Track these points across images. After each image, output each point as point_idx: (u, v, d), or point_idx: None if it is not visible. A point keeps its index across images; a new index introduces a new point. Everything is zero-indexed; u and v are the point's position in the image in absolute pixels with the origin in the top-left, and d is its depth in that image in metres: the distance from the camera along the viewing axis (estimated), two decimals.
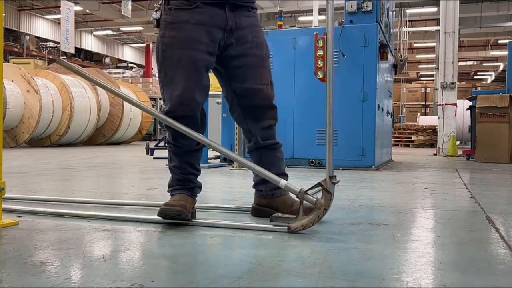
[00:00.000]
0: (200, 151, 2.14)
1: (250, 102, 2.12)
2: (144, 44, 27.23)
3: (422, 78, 30.83)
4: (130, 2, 17.51)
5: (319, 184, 1.85)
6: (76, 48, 20.75)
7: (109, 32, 25.59)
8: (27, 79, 9.28)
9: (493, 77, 32.11)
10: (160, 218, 1.95)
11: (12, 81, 9.20)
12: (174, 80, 2.00)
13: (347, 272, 1.33)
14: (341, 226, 1.99)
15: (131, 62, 28.38)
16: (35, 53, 21.92)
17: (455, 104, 8.83)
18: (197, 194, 2.16)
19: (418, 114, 17.66)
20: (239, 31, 2.07)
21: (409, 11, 17.24)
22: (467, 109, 8.28)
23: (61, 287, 1.18)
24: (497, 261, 1.47)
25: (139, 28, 23.82)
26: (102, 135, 11.61)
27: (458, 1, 8.79)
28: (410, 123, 14.85)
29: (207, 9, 2.01)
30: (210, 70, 2.12)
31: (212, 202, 2.63)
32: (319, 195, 1.85)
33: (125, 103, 11.52)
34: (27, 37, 21.83)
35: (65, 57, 21.46)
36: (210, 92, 2.15)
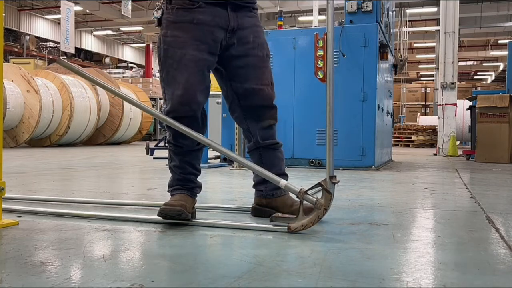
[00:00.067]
0: (200, 151, 2.14)
1: (250, 102, 2.12)
2: (144, 44, 27.23)
3: (422, 78, 30.84)
4: (130, 2, 17.51)
5: (319, 184, 1.85)
6: (76, 48, 20.76)
7: (109, 32, 25.60)
8: (27, 79, 9.28)
9: (493, 77, 32.11)
10: (160, 218, 1.95)
11: (12, 81, 9.20)
12: (176, 79, 2.00)
13: (347, 272, 1.33)
14: (341, 226, 1.99)
15: (131, 62, 28.39)
16: (35, 53, 21.93)
17: (455, 104, 8.83)
18: (197, 194, 2.16)
19: (418, 114, 17.66)
20: (241, 31, 2.07)
21: (409, 11, 17.24)
22: (467, 109, 8.28)
23: (61, 287, 1.18)
24: (497, 261, 1.47)
25: (139, 28, 23.83)
26: (102, 135, 11.61)
27: (458, 1, 8.79)
28: (410, 123, 14.85)
29: (209, 9, 2.01)
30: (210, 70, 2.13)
31: (212, 202, 2.63)
32: (319, 195, 1.85)
33: (125, 103, 11.52)
34: (27, 37, 21.83)
35: (65, 57, 21.45)
36: (210, 92, 2.15)
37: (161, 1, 2.09)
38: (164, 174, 4.26)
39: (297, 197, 1.88)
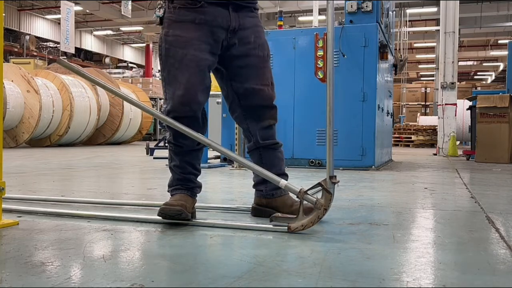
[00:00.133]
0: (200, 151, 2.14)
1: (250, 102, 2.12)
2: (144, 44, 27.24)
3: (422, 78, 30.84)
4: (130, 2, 17.51)
5: (319, 184, 1.85)
6: (76, 48, 20.76)
7: (109, 32, 25.60)
8: (27, 79, 9.28)
9: (493, 77, 32.12)
10: (160, 218, 1.95)
11: (12, 81, 9.20)
12: (177, 79, 2.00)
13: (347, 272, 1.33)
14: (341, 226, 1.99)
15: (131, 62, 28.39)
16: (35, 53, 21.93)
17: (455, 104, 8.83)
18: (197, 194, 2.16)
19: (418, 114, 17.66)
20: (242, 31, 2.08)
21: (409, 11, 17.24)
22: (467, 109, 8.28)
23: (61, 287, 1.18)
24: (497, 261, 1.47)
25: (139, 28, 23.83)
26: (102, 135, 11.61)
27: (458, 1, 8.79)
28: (410, 123, 14.85)
29: (211, 9, 2.01)
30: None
31: (212, 202, 2.63)
32: (319, 195, 1.85)
33: (125, 103, 11.52)
34: (27, 37, 21.83)
35: (65, 57, 21.45)
36: (210, 92, 2.15)
37: (163, 0, 2.09)
38: (164, 174, 4.26)
39: (297, 197, 1.88)
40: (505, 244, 1.70)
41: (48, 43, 24.21)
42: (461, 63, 26.80)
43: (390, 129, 7.04)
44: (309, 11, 16.01)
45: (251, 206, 2.24)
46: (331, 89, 1.87)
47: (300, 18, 19.90)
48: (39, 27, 23.33)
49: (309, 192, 1.86)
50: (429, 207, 2.58)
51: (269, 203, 2.16)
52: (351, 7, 5.23)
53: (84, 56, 26.73)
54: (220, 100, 5.65)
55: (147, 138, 14.17)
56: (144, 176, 4.33)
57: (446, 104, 8.71)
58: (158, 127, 14.36)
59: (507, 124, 6.54)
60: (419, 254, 1.55)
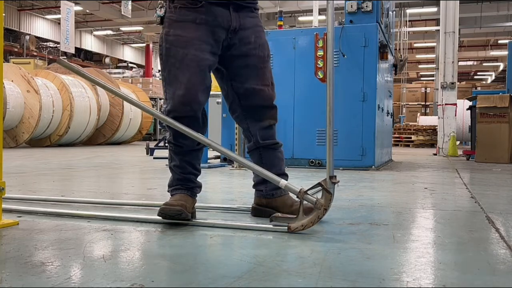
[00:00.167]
0: (200, 151, 2.14)
1: (251, 102, 2.13)
2: (144, 44, 27.24)
3: (422, 78, 30.84)
4: (130, 2, 17.51)
5: (319, 184, 1.85)
6: (76, 48, 20.76)
7: (109, 32, 25.60)
8: (27, 79, 9.28)
9: (493, 77, 32.12)
10: (160, 218, 1.95)
11: (12, 81, 9.20)
12: (177, 79, 2.00)
13: (347, 272, 1.33)
14: (341, 226, 1.99)
15: (131, 62, 28.39)
16: (35, 53, 21.93)
17: (455, 104, 8.83)
18: (197, 194, 2.16)
19: (418, 114, 17.66)
20: (242, 31, 2.08)
21: (409, 11, 17.24)
22: (467, 109, 8.28)
23: (61, 287, 1.18)
24: (497, 261, 1.47)
25: (139, 28, 23.83)
26: (102, 135, 11.61)
27: (458, 1, 8.79)
28: (410, 123, 14.85)
29: (212, 9, 2.01)
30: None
31: (212, 202, 2.63)
32: (319, 195, 1.85)
33: (125, 103, 11.52)
34: (27, 37, 21.84)
35: (65, 57, 21.45)
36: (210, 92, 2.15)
37: (164, 0, 2.09)
38: (164, 174, 4.26)
39: (297, 197, 1.88)
40: (505, 244, 1.70)
41: (48, 43, 24.21)
42: (461, 63, 26.80)
43: (390, 129, 7.04)
44: (309, 11, 16.01)
45: (251, 206, 2.24)
46: (331, 89, 1.87)
47: (300, 18, 19.90)
48: (39, 27, 23.33)
49: (309, 192, 1.86)
50: (429, 207, 2.58)
51: (269, 203, 2.16)
52: (351, 7, 5.23)
53: (84, 56, 26.73)
54: (220, 100, 5.65)
55: (147, 138, 14.17)
56: (144, 176, 4.33)
57: (446, 104, 8.71)
58: (158, 127, 14.36)
59: (507, 124, 6.54)
60: (419, 254, 1.55)
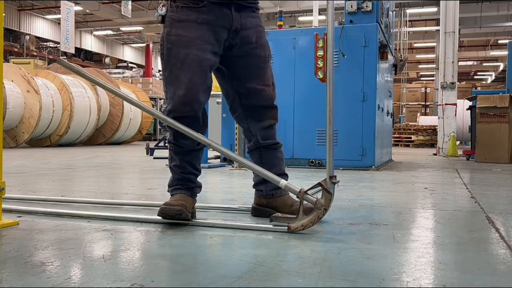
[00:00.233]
0: (200, 151, 2.14)
1: (251, 102, 2.13)
2: (144, 44, 27.24)
3: (422, 78, 30.84)
4: (130, 2, 17.51)
5: (319, 184, 1.85)
6: (76, 48, 20.76)
7: (109, 32, 25.60)
8: (27, 79, 9.28)
9: (493, 77, 32.12)
10: (160, 218, 1.95)
11: (12, 81, 9.20)
12: (179, 79, 2.00)
13: (347, 272, 1.33)
14: (341, 226, 1.99)
15: (131, 62, 28.39)
16: (35, 53, 21.93)
17: (455, 104, 8.83)
18: (197, 194, 2.16)
19: (418, 114, 17.66)
20: (244, 31, 2.08)
21: (409, 11, 17.24)
22: (467, 109, 8.28)
23: (61, 287, 1.18)
24: (497, 261, 1.47)
25: (139, 28, 23.83)
26: (102, 135, 11.61)
27: (458, 1, 8.79)
28: (410, 123, 14.85)
29: (214, 8, 2.01)
30: None
31: (212, 202, 2.63)
32: (319, 195, 1.85)
33: (125, 103, 11.52)
34: (27, 37, 21.83)
35: (65, 57, 21.45)
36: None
37: None
38: (164, 174, 4.26)
39: (297, 197, 1.88)
40: (505, 244, 1.70)
41: (48, 43, 24.21)
42: (461, 63, 26.80)
43: (390, 129, 7.04)
44: (309, 11, 16.01)
45: (251, 206, 2.24)
46: (331, 89, 1.87)
47: (300, 18, 19.90)
48: (39, 27, 23.33)
49: (309, 192, 1.86)
50: (429, 207, 2.58)
51: (269, 203, 2.16)
52: (351, 7, 5.23)
53: (84, 56, 26.72)
54: (220, 100, 5.65)
55: (147, 138, 14.17)
56: (144, 176, 4.33)
57: (446, 104, 8.71)
58: (158, 127, 14.36)
59: (507, 124, 6.54)
60: (419, 254, 1.55)
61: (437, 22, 18.06)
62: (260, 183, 2.18)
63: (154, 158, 6.70)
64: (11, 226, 1.89)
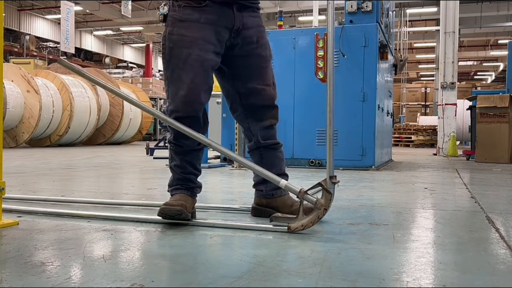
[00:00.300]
0: (201, 151, 2.14)
1: (252, 101, 2.13)
2: (144, 44, 27.23)
3: (422, 78, 30.84)
4: (130, 2, 17.51)
5: (319, 184, 1.85)
6: (76, 48, 20.76)
7: (109, 32, 25.60)
8: (27, 79, 9.28)
9: (493, 77, 32.12)
10: (160, 218, 1.95)
11: (12, 81, 9.20)
12: (180, 79, 2.00)
13: (347, 272, 1.33)
14: (341, 226, 1.99)
15: (131, 62, 28.39)
16: (35, 53, 21.92)
17: (455, 104, 8.83)
18: (197, 194, 2.16)
19: (418, 114, 17.66)
20: (245, 31, 2.08)
21: (409, 11, 17.24)
22: (467, 109, 8.28)
23: (61, 287, 1.18)
24: (497, 261, 1.47)
25: (139, 28, 23.83)
26: (102, 135, 11.61)
27: (458, 1, 8.79)
28: (410, 123, 14.85)
29: (216, 8, 2.01)
30: None
31: (212, 202, 2.63)
32: (319, 195, 1.85)
33: (125, 103, 11.52)
34: (27, 37, 21.83)
35: (65, 57, 21.45)
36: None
37: None
38: (164, 174, 4.26)
39: (297, 197, 1.88)
40: (505, 244, 1.70)
41: (48, 43, 24.20)
42: (461, 63, 26.80)
43: (390, 129, 7.04)
44: (309, 11, 16.01)
45: (251, 206, 2.24)
46: (331, 89, 1.87)
47: (300, 18, 19.90)
48: (39, 27, 23.33)
49: (309, 192, 1.86)
50: (429, 207, 2.58)
51: (269, 203, 2.16)
52: (351, 7, 5.23)
53: (84, 56, 26.72)
54: (220, 100, 5.65)
55: (147, 138, 14.17)
56: (144, 176, 4.33)
57: (446, 104, 8.71)
58: (158, 127, 14.36)
59: (507, 124, 6.54)
60: (419, 254, 1.55)
61: (437, 22, 18.06)
62: (260, 183, 2.17)
63: (154, 158, 6.70)
64: (11, 226, 1.89)
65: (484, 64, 30.04)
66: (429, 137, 13.19)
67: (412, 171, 5.04)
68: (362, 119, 5.07)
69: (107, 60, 27.16)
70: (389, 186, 3.61)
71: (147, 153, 7.55)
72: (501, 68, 28.52)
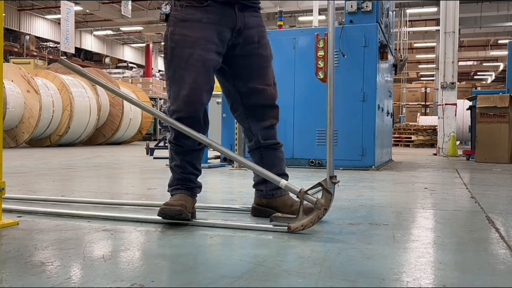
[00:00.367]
0: (201, 151, 2.14)
1: (253, 101, 2.13)
2: (144, 44, 27.23)
3: (422, 78, 30.83)
4: (130, 2, 17.51)
5: (319, 184, 1.85)
6: (76, 48, 20.76)
7: (109, 32, 25.59)
8: (27, 79, 9.28)
9: (493, 77, 32.11)
10: (160, 218, 1.95)
11: (12, 81, 9.20)
12: (182, 79, 2.00)
13: (347, 272, 1.33)
14: (341, 226, 1.99)
15: (131, 62, 28.38)
16: (35, 53, 21.92)
17: (455, 104, 8.83)
18: (197, 194, 2.16)
19: (418, 114, 17.66)
20: (247, 31, 2.08)
21: (409, 11, 17.24)
22: (467, 109, 8.28)
23: (61, 287, 1.18)
24: (497, 261, 1.47)
25: (139, 28, 23.83)
26: (102, 135, 11.61)
27: (458, 1, 8.79)
28: (410, 123, 14.85)
29: (218, 8, 2.01)
30: None
31: (212, 202, 2.63)
32: (319, 195, 1.85)
33: (125, 103, 11.52)
34: (27, 37, 21.83)
35: (65, 57, 21.45)
36: None
37: None
38: (164, 174, 4.26)
39: (297, 197, 1.88)
40: (505, 244, 1.70)
41: (48, 43, 24.20)
42: (461, 63, 26.80)
43: (390, 129, 7.04)
44: (309, 11, 16.01)
45: (251, 206, 2.24)
46: (332, 89, 1.87)
47: (300, 18, 19.90)
48: (39, 27, 23.32)
49: (309, 192, 1.86)
50: (429, 207, 2.58)
51: (269, 203, 2.16)
52: (351, 7, 5.23)
53: (84, 56, 26.72)
54: (220, 100, 5.65)
55: (147, 138, 14.18)
56: (144, 176, 4.33)
57: (446, 104, 8.71)
58: (158, 127, 14.35)
59: (507, 124, 6.54)
60: (419, 254, 1.55)
61: (437, 22, 18.06)
62: (260, 183, 2.17)
63: (154, 158, 6.70)
64: (11, 226, 1.89)
65: (484, 64, 30.04)
66: (429, 137, 13.19)
67: (412, 171, 5.04)
68: (362, 119, 5.07)
69: (107, 60, 27.15)
70: (389, 186, 3.61)
71: (147, 153, 7.55)
72: (501, 68, 28.52)
